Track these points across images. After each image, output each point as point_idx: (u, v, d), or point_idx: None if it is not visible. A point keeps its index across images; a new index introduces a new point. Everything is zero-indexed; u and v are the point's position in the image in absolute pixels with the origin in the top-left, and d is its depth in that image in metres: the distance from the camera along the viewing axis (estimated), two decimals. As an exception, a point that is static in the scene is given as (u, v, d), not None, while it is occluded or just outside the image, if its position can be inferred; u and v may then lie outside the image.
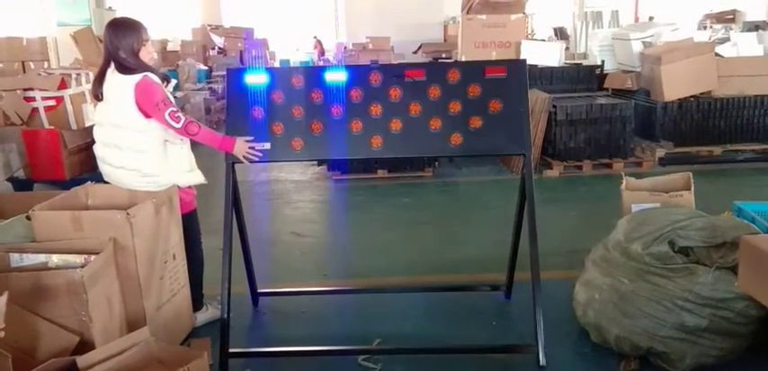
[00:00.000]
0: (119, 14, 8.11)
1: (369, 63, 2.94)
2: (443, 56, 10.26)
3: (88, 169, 5.21)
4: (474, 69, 2.94)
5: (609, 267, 2.85)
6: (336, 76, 2.89)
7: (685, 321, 2.55)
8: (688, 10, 15.20)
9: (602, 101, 6.53)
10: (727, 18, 11.63)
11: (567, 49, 9.66)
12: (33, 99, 5.31)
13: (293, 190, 6.17)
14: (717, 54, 6.88)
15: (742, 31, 9.53)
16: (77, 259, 2.44)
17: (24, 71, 7.78)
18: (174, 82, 3.29)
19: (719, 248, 2.64)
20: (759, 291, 2.15)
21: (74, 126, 5.35)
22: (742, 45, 7.39)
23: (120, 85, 2.77)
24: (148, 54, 2.87)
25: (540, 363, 2.74)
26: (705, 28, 10.89)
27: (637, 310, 2.65)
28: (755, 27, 10.03)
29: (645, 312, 2.63)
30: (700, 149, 6.58)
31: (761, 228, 2.88)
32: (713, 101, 6.52)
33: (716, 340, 2.57)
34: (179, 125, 2.76)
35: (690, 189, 3.21)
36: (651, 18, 13.06)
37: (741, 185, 5.76)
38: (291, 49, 19.45)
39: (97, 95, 2.88)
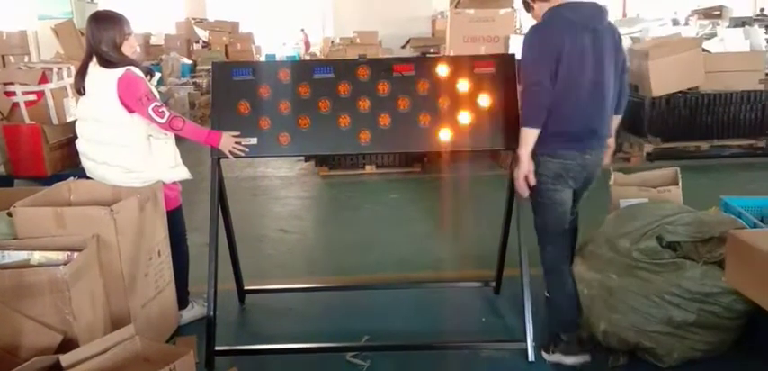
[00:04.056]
0: (101, 7, 7.99)
1: (357, 57, 2.91)
2: (432, 50, 10.23)
3: (70, 165, 5.12)
4: (463, 64, 2.92)
5: (597, 263, 2.85)
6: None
7: (673, 316, 2.56)
8: (675, 5, 15.31)
9: (590, 96, 6.52)
10: (714, 14, 11.66)
11: (554, 44, 9.63)
12: (13, 93, 5.20)
13: (280, 186, 6.13)
14: (704, 49, 6.91)
15: (729, 27, 9.58)
16: (60, 256, 2.39)
17: (4, 65, 7.66)
18: (157, 76, 3.25)
19: (707, 243, 2.65)
20: (745, 285, 2.16)
21: (55, 121, 5.26)
22: (729, 41, 7.42)
23: (102, 80, 2.72)
24: (131, 48, 2.83)
25: (529, 358, 2.75)
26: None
27: (625, 305, 2.66)
28: (742, 23, 10.09)
29: (633, 307, 2.63)
30: (687, 144, 6.61)
31: (747, 223, 2.89)
32: (700, 96, 6.55)
33: (703, 335, 2.58)
34: (163, 120, 2.72)
35: (677, 184, 3.22)
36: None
37: (728, 181, 5.80)
38: (278, 43, 19.34)
39: (79, 90, 2.84)
